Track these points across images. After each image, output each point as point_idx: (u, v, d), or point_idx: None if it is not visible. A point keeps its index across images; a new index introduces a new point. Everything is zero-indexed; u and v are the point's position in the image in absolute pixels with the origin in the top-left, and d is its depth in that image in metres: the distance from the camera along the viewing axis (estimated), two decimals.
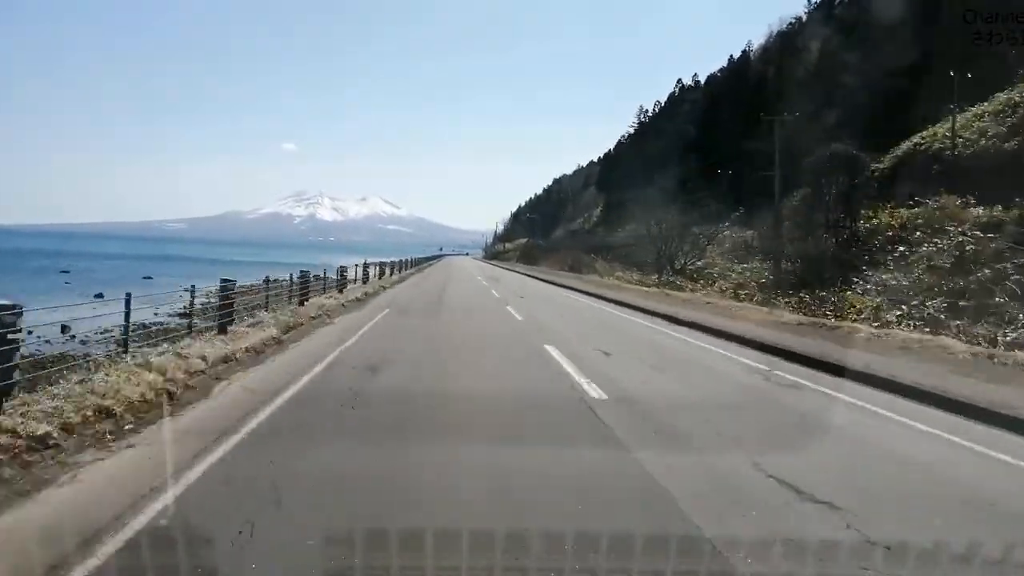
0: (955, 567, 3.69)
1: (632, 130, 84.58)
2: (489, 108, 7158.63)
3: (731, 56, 64.11)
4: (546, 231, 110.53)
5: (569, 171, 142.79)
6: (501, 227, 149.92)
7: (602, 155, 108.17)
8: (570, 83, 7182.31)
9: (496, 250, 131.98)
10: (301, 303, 17.41)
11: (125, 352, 8.62)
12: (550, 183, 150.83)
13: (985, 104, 30.00)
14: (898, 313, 19.20)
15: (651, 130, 73.48)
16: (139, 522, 3.85)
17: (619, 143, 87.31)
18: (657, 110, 78.09)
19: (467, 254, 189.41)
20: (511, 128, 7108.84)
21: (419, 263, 58.00)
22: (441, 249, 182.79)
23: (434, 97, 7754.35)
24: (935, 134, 31.82)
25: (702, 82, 72.14)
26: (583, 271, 52.56)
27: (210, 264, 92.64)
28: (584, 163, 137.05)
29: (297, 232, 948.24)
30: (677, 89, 74.74)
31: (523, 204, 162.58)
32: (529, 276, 48.74)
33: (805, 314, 19.35)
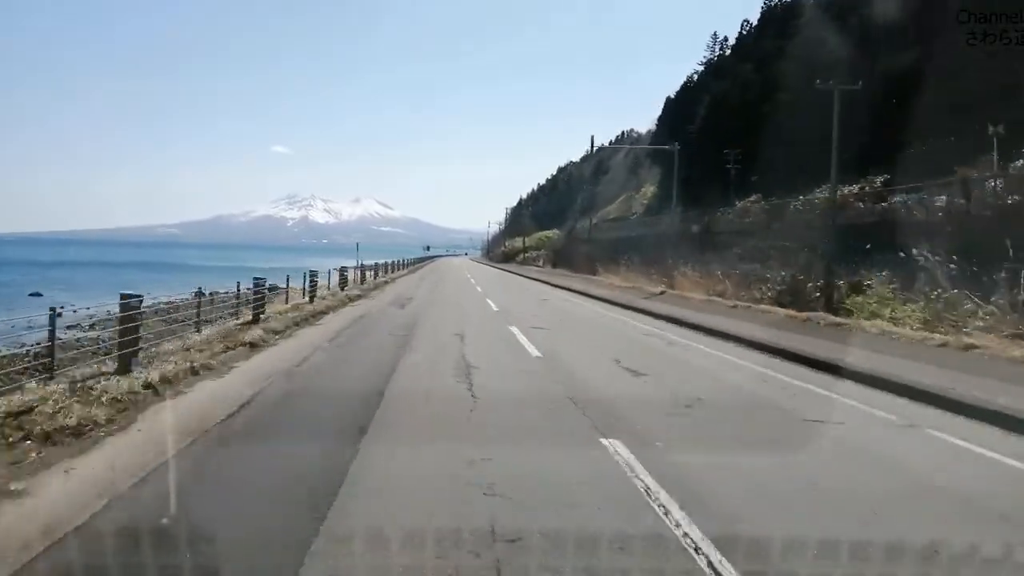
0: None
1: (701, 68, 64.58)
2: (480, 107, 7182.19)
3: None
4: (559, 224, 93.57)
5: (576, 159, 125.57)
6: (504, 222, 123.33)
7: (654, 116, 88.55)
8: (559, 80, 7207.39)
9: (511, 248, 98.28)
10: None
11: None
12: (555, 172, 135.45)
13: None
14: None
15: (742, 61, 53.93)
16: None
17: (685, 87, 66.82)
18: (747, 32, 58.25)
19: (466, 254, 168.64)
20: (502, 127, 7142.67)
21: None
22: (428, 248, 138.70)
23: (424, 97, 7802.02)
24: None
25: None
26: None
27: (163, 270, 78.52)
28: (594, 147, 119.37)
29: (290, 234, 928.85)
30: (767, 6, 55.46)
31: (524, 197, 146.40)
32: None
33: None
